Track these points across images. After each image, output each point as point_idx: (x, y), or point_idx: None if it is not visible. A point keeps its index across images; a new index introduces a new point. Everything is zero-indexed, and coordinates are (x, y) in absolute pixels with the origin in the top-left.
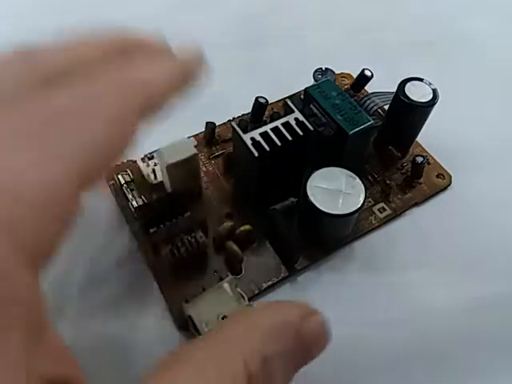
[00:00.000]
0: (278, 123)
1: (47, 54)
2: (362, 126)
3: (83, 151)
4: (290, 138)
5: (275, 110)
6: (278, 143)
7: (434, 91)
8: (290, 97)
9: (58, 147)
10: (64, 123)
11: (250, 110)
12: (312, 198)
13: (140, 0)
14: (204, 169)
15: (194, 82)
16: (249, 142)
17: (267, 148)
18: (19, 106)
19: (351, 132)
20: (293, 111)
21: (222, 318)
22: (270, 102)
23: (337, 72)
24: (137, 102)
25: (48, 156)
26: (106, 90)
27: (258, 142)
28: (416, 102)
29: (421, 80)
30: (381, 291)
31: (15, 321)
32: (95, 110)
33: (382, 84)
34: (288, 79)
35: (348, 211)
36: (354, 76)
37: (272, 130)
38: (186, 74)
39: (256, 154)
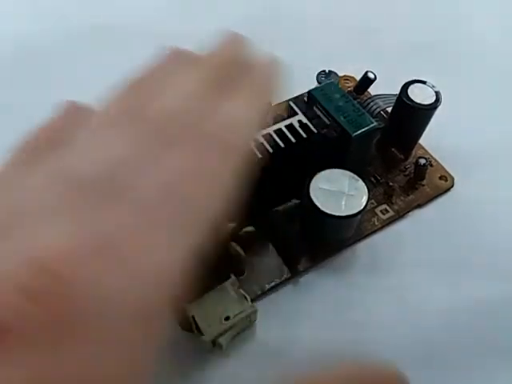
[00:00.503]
0: (281, 125)
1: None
2: (365, 128)
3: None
4: (293, 140)
5: (278, 113)
6: (282, 145)
7: (437, 94)
8: (293, 99)
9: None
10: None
11: None
12: (315, 200)
13: (141, 1)
14: None
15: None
16: (252, 144)
17: (270, 150)
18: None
19: (354, 134)
20: (296, 113)
21: (225, 319)
22: (272, 105)
23: (340, 74)
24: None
25: (177, 234)
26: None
27: (261, 143)
28: (419, 104)
29: (424, 82)
30: (383, 293)
31: None
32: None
33: (385, 87)
34: (291, 82)
35: (351, 213)
36: (358, 78)
37: (275, 131)
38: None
39: (259, 156)
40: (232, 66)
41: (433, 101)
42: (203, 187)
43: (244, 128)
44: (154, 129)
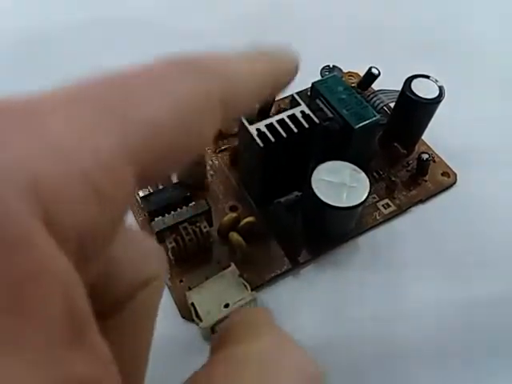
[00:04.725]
0: (283, 115)
1: None
2: (367, 121)
3: (142, 126)
4: (295, 129)
5: (282, 107)
6: (284, 135)
7: (441, 88)
8: (296, 93)
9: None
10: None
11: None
12: (317, 191)
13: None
14: (210, 162)
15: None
16: (254, 133)
17: (272, 139)
18: None
19: (357, 126)
20: (299, 104)
21: (224, 306)
22: (276, 99)
23: (344, 71)
24: (217, 88)
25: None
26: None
27: (264, 133)
28: (422, 98)
29: (427, 77)
30: (382, 287)
31: (52, 306)
32: (164, 85)
33: (389, 84)
34: (295, 77)
35: (352, 204)
36: (362, 75)
37: (278, 121)
38: (277, 76)
39: (261, 145)
40: None
41: (436, 95)
42: None
43: None
44: None
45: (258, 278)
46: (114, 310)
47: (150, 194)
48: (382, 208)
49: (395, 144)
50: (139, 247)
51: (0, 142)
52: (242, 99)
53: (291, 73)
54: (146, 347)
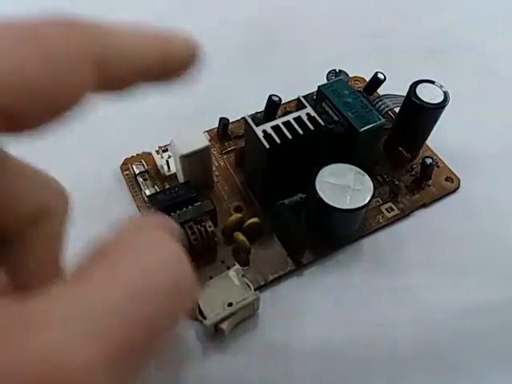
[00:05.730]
0: (289, 117)
1: None
2: (372, 124)
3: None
4: (301, 132)
5: (288, 109)
6: (289, 136)
7: (445, 93)
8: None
9: None
10: None
11: (263, 109)
12: (320, 193)
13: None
14: (216, 163)
15: (178, 74)
16: (260, 135)
17: (278, 141)
18: None
19: (362, 130)
20: (305, 107)
21: (228, 305)
22: (283, 102)
23: (350, 75)
24: (89, 42)
25: None
26: None
27: (270, 134)
28: (427, 103)
29: (432, 82)
30: (384, 291)
31: None
32: (32, 32)
33: (394, 89)
34: (302, 81)
35: (355, 206)
36: (368, 80)
37: (284, 123)
38: (165, 52)
39: (267, 146)
40: None
41: (441, 100)
42: None
43: None
44: None
45: (261, 278)
46: (16, 236)
47: (157, 193)
48: (385, 211)
49: (399, 148)
50: (30, 180)
51: None
52: (120, 64)
53: (183, 55)
54: (55, 262)
